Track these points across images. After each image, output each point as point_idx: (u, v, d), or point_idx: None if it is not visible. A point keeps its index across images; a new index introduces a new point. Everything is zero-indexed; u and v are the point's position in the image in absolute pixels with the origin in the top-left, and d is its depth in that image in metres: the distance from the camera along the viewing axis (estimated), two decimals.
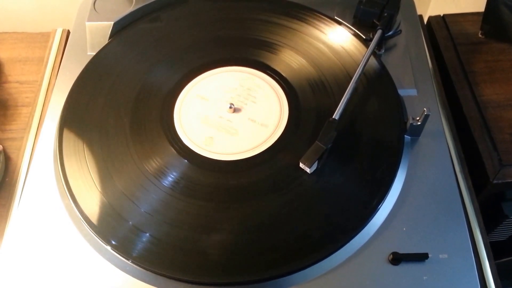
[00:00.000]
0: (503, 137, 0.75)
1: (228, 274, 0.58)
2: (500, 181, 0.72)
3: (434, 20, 0.92)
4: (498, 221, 0.79)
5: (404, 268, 0.58)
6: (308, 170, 0.63)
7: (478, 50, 0.87)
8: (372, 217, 0.61)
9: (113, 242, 0.59)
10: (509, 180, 0.72)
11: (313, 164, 0.63)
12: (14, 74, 0.84)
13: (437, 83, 0.82)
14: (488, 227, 0.69)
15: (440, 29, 0.91)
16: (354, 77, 0.69)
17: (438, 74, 0.83)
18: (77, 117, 0.71)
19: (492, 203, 0.77)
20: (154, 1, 0.82)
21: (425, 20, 0.94)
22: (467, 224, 0.62)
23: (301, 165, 0.64)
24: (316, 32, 0.79)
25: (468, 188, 0.70)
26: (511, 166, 0.72)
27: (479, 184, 0.72)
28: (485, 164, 0.73)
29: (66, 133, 0.69)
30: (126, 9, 0.81)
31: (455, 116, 0.78)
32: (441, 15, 0.93)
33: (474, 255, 0.60)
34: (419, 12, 0.87)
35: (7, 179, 0.71)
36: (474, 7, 0.92)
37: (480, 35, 0.89)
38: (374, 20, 0.77)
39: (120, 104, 0.72)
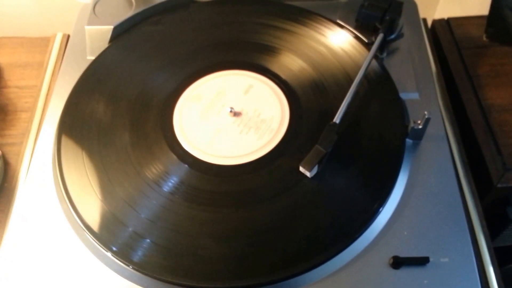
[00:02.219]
0: (507, 141, 0.74)
1: (227, 279, 0.57)
2: (504, 186, 0.71)
3: (438, 23, 0.92)
4: (503, 226, 0.78)
5: (405, 272, 0.58)
6: (308, 174, 0.63)
7: (483, 54, 0.87)
8: (373, 221, 0.60)
9: (114, 248, 0.59)
10: None
11: (313, 168, 0.62)
12: (13, 79, 0.84)
13: (441, 87, 0.81)
14: (493, 232, 0.69)
15: (444, 32, 0.90)
16: (355, 81, 0.69)
17: (442, 78, 0.83)
18: (76, 122, 0.70)
19: (496, 208, 0.77)
20: (154, 5, 0.82)
21: (431, 22, 0.94)
22: (470, 228, 0.62)
23: (301, 169, 0.63)
24: (318, 36, 0.78)
25: (472, 193, 0.69)
26: None
27: (483, 188, 0.72)
28: (489, 168, 0.72)
29: (65, 138, 0.68)
30: (126, 14, 0.81)
31: (459, 120, 0.78)
32: (446, 18, 0.92)
33: (477, 260, 0.59)
34: (426, 15, 0.87)
35: (6, 184, 0.71)
36: (482, 10, 0.91)
37: (484, 39, 0.89)
38: (376, 24, 0.77)
39: (119, 109, 0.72)
